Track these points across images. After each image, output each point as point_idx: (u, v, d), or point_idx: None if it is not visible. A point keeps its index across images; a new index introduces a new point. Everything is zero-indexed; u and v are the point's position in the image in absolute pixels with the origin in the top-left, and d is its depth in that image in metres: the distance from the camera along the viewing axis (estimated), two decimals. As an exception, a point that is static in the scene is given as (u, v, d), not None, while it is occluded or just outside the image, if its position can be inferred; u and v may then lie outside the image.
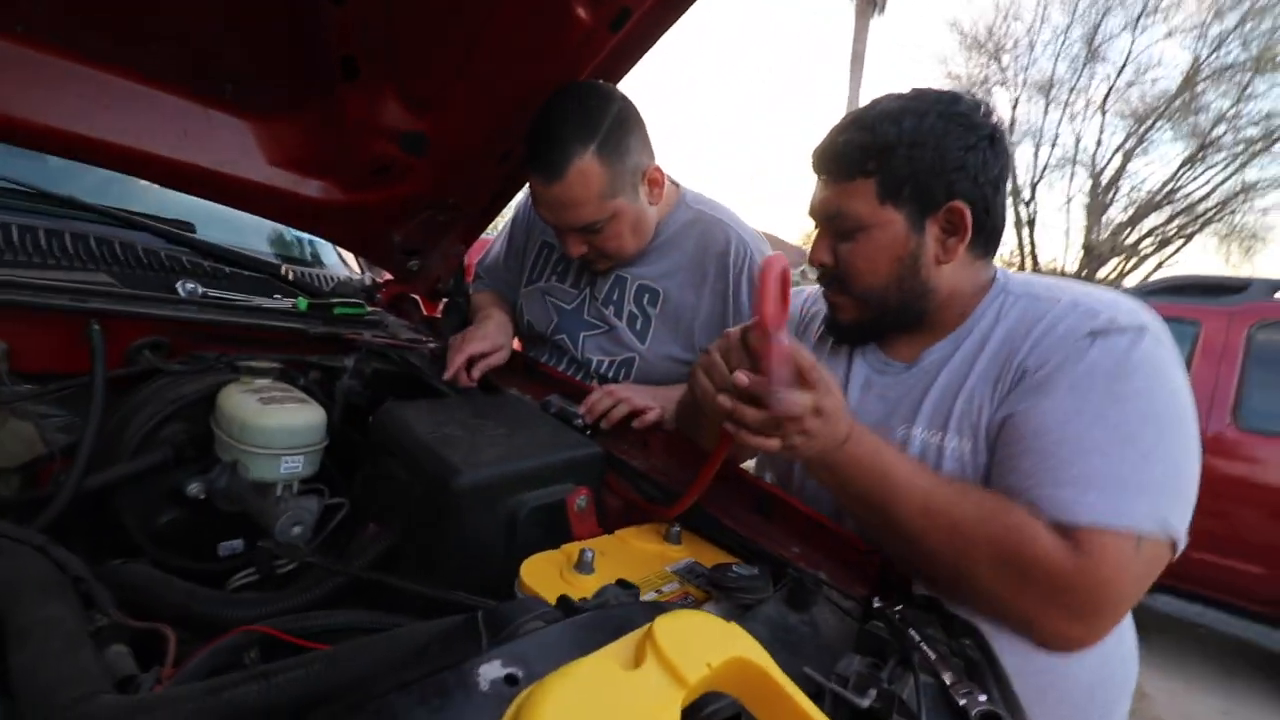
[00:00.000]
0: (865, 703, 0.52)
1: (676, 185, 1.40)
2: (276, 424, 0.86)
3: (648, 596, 0.74)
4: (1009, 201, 0.98)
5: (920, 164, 0.86)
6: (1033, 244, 14.29)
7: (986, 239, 0.92)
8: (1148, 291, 4.03)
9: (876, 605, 0.72)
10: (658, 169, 1.26)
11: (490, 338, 1.27)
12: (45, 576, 0.68)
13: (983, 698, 0.55)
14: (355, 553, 0.91)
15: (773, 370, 0.69)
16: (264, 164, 1.08)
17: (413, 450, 0.88)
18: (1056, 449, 0.77)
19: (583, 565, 0.74)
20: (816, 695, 0.54)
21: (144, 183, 1.17)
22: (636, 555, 0.83)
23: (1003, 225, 0.93)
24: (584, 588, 0.72)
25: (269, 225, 1.44)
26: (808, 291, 1.20)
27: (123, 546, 0.95)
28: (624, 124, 1.16)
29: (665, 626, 0.36)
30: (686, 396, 1.08)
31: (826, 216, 0.94)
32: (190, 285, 1.05)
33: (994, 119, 0.90)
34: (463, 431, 0.94)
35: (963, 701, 0.55)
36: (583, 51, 1.04)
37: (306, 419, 0.89)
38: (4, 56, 0.83)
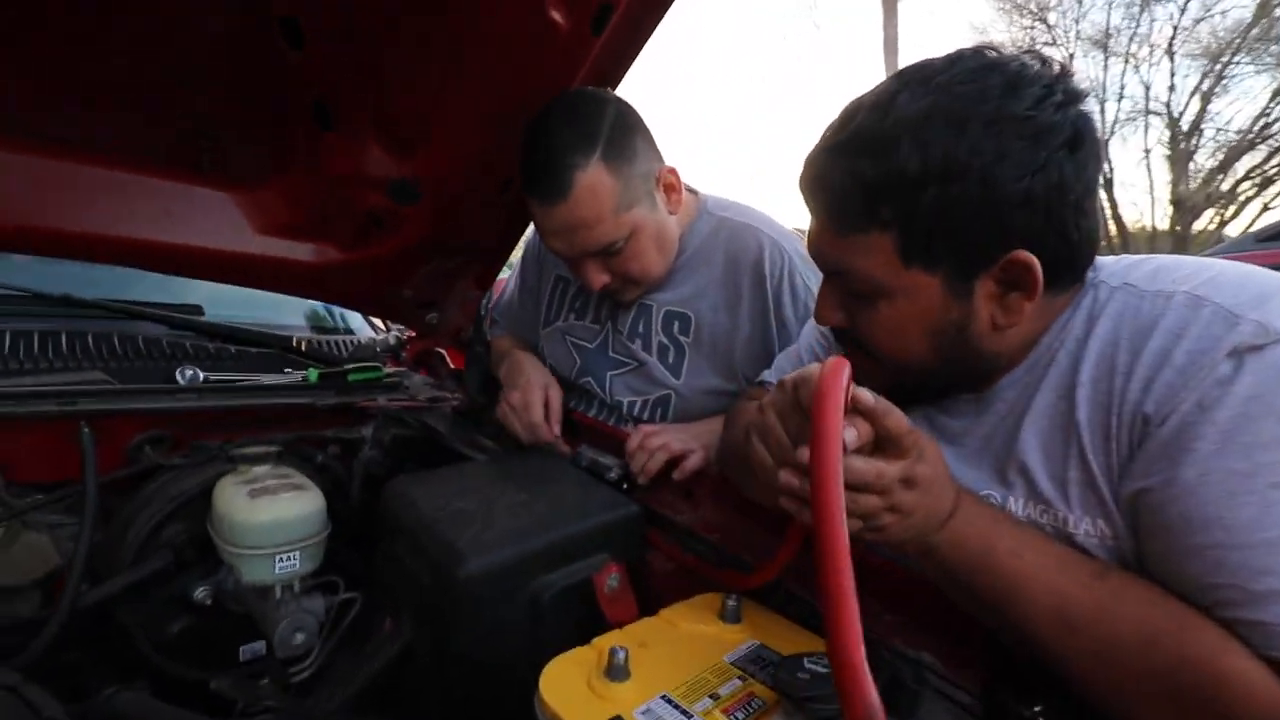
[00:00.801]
0: None
1: (695, 193, 1.25)
2: (266, 520, 0.77)
3: (700, 706, 0.58)
4: None
5: (960, 206, 0.59)
6: (1114, 206, 13.23)
7: (1071, 270, 0.64)
8: (1261, 239, 3.55)
9: (1007, 703, 0.53)
10: (671, 171, 1.11)
11: (536, 382, 1.12)
12: (7, 729, 0.60)
13: None
14: (371, 653, 0.80)
15: (845, 434, 0.50)
16: (253, 235, 1.02)
17: (416, 532, 0.76)
18: (1230, 549, 0.51)
19: (615, 670, 0.59)
20: None
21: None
22: (686, 643, 0.67)
23: (1095, 238, 0.63)
24: (619, 701, 0.58)
25: (285, 297, 1.39)
26: None
27: (135, 661, 0.88)
28: (625, 126, 1.02)
29: None
30: (730, 437, 0.91)
31: (829, 270, 0.71)
32: (190, 371, 0.99)
33: (1073, 110, 0.59)
34: (476, 503, 0.81)
35: None
36: (568, 60, 0.92)
37: (300, 510, 0.80)
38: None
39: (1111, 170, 13.16)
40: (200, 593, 0.85)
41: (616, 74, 1.00)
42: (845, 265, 0.67)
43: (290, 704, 0.71)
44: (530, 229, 1.33)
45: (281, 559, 0.78)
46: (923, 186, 0.60)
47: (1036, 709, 0.51)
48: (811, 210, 0.70)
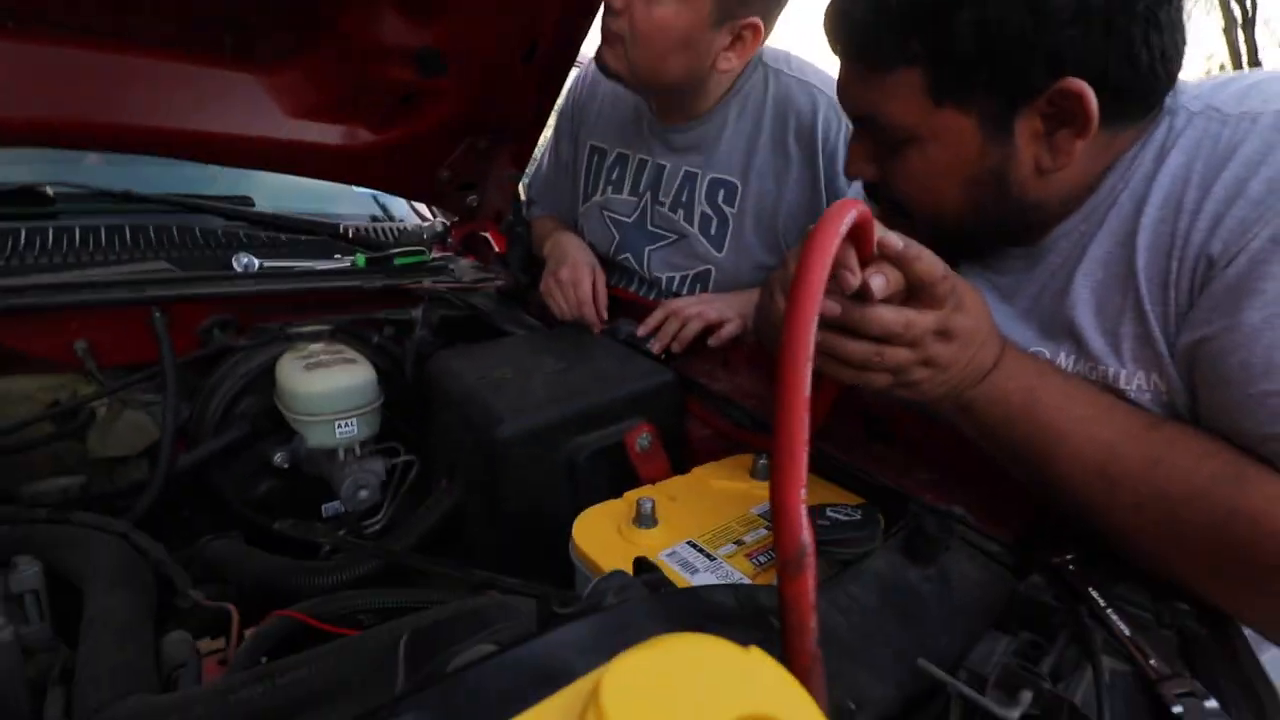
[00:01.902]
0: (1014, 714, 0.35)
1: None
2: (320, 389, 0.82)
3: (724, 550, 0.60)
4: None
5: (999, 27, 0.51)
6: (1252, 48, 11.29)
7: (1138, 99, 0.54)
8: None
9: (1038, 553, 0.52)
10: (755, 28, 1.00)
11: (583, 260, 1.09)
12: (123, 563, 0.70)
13: (1211, 703, 0.35)
14: (428, 509, 0.87)
15: (870, 281, 0.47)
16: (283, 118, 1.02)
17: (459, 400, 0.80)
18: None
19: (642, 518, 0.62)
20: (937, 699, 0.38)
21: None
22: (715, 497, 0.69)
23: (1174, 57, 0.53)
24: (647, 545, 0.61)
25: (331, 185, 1.41)
26: None
27: (232, 517, 0.99)
28: None
29: (620, 685, 0.22)
30: (762, 300, 0.88)
31: (857, 117, 0.63)
32: (245, 259, 1.04)
33: None
34: (515, 373, 0.84)
35: (1178, 708, 0.36)
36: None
37: (351, 380, 0.85)
38: (8, 56, 0.80)
39: (1254, 5, 11.11)
40: (279, 457, 0.93)
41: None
42: (872, 109, 0.60)
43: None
44: (562, 99, 1.27)
45: (341, 425, 0.84)
46: (955, 7, 0.52)
47: (1067, 557, 0.50)
48: (836, 50, 0.63)
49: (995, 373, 0.55)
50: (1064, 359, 0.61)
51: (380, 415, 0.90)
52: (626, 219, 1.22)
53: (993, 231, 0.64)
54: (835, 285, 0.48)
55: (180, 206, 1.10)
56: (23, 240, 0.97)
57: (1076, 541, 0.55)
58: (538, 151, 1.38)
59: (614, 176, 1.23)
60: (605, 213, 1.24)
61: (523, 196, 1.43)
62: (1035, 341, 0.63)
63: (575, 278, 1.05)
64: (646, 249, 1.19)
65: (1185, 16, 0.54)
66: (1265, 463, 0.48)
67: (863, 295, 0.48)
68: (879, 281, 0.47)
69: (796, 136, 1.07)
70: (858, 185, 0.92)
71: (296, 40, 1.00)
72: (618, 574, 0.40)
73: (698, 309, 0.93)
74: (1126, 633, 0.42)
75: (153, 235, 1.05)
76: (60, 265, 0.96)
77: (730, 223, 1.12)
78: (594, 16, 1.05)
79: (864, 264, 0.47)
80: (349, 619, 0.57)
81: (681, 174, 1.15)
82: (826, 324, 0.51)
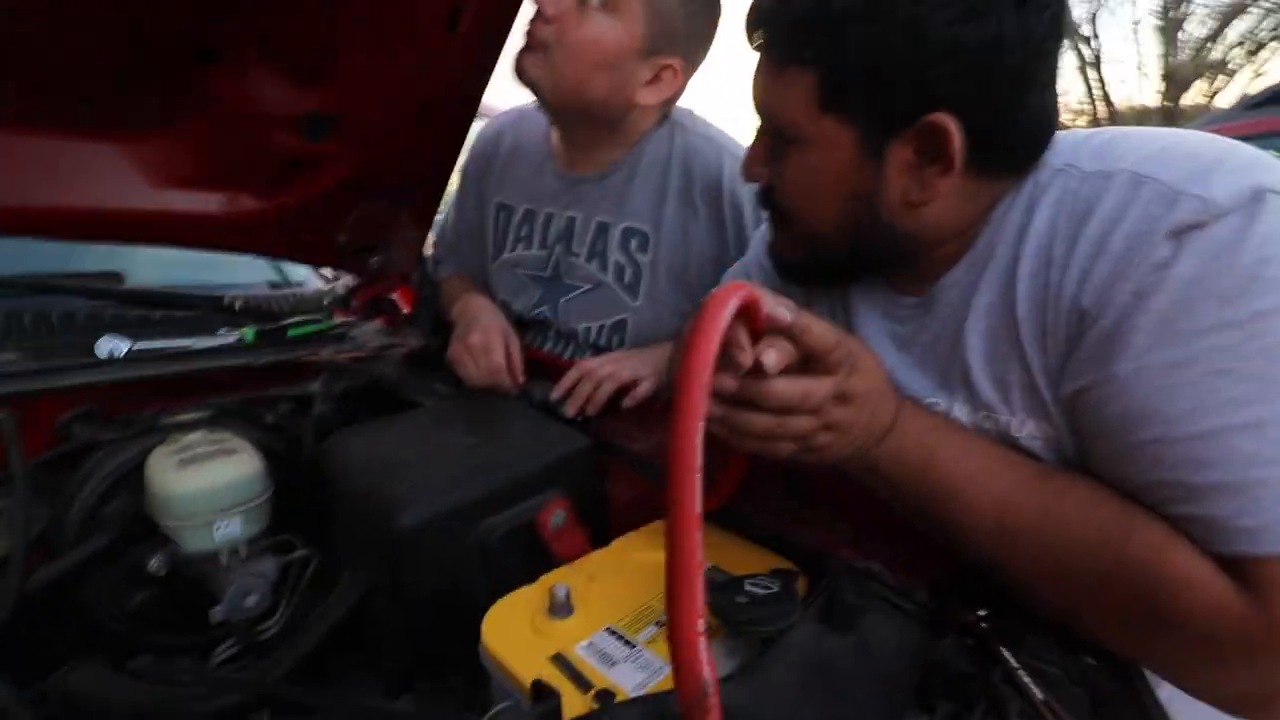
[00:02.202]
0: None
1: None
2: (194, 489, 0.74)
3: (644, 634, 0.57)
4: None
5: (882, 51, 0.53)
6: (1102, 85, 12.73)
7: (1007, 151, 0.57)
8: (1248, 106, 3.40)
9: (951, 607, 0.52)
10: (677, 72, 1.04)
11: (495, 326, 1.05)
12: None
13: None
14: (328, 606, 0.79)
15: (762, 358, 0.47)
16: (154, 189, 0.94)
17: (355, 486, 0.74)
18: (1169, 443, 0.48)
19: (556, 607, 0.58)
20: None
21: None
22: (635, 572, 0.66)
23: (1046, 121, 0.57)
24: (562, 637, 0.57)
25: (221, 255, 1.32)
26: None
27: (102, 636, 0.87)
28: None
29: None
30: (674, 359, 0.88)
31: (759, 110, 0.65)
32: (110, 343, 0.94)
33: None
34: (418, 451, 0.79)
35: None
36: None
37: (231, 474, 0.77)
38: None
39: (1099, 48, 12.60)
40: (154, 564, 0.83)
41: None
42: (770, 103, 0.62)
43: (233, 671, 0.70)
44: (464, 157, 1.24)
45: (220, 526, 0.76)
46: (846, 23, 0.54)
47: (979, 614, 0.50)
48: (750, 40, 0.64)
49: (894, 431, 0.56)
50: (958, 408, 0.62)
51: (269, 508, 0.82)
52: (541, 273, 1.20)
53: (868, 255, 0.65)
54: (729, 362, 0.47)
55: (30, 288, 0.99)
56: None
57: (987, 591, 0.55)
58: (443, 207, 1.35)
59: (523, 233, 1.21)
60: (518, 270, 1.22)
61: (428, 254, 1.38)
62: (933, 391, 0.64)
63: (487, 343, 1.01)
64: (561, 300, 1.17)
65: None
66: (1149, 509, 0.50)
67: (757, 370, 0.47)
68: (770, 357, 0.46)
69: (702, 191, 1.09)
70: (759, 233, 0.94)
71: (165, 107, 0.93)
72: (509, 709, 0.36)
73: (610, 369, 0.92)
74: (1039, 696, 0.42)
75: (1, 322, 0.94)
76: (-120, 364, 0.84)
77: (644, 271, 1.12)
78: (491, 73, 1.04)
79: (756, 339, 0.47)
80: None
81: (594, 225, 1.15)
82: (728, 399, 0.50)
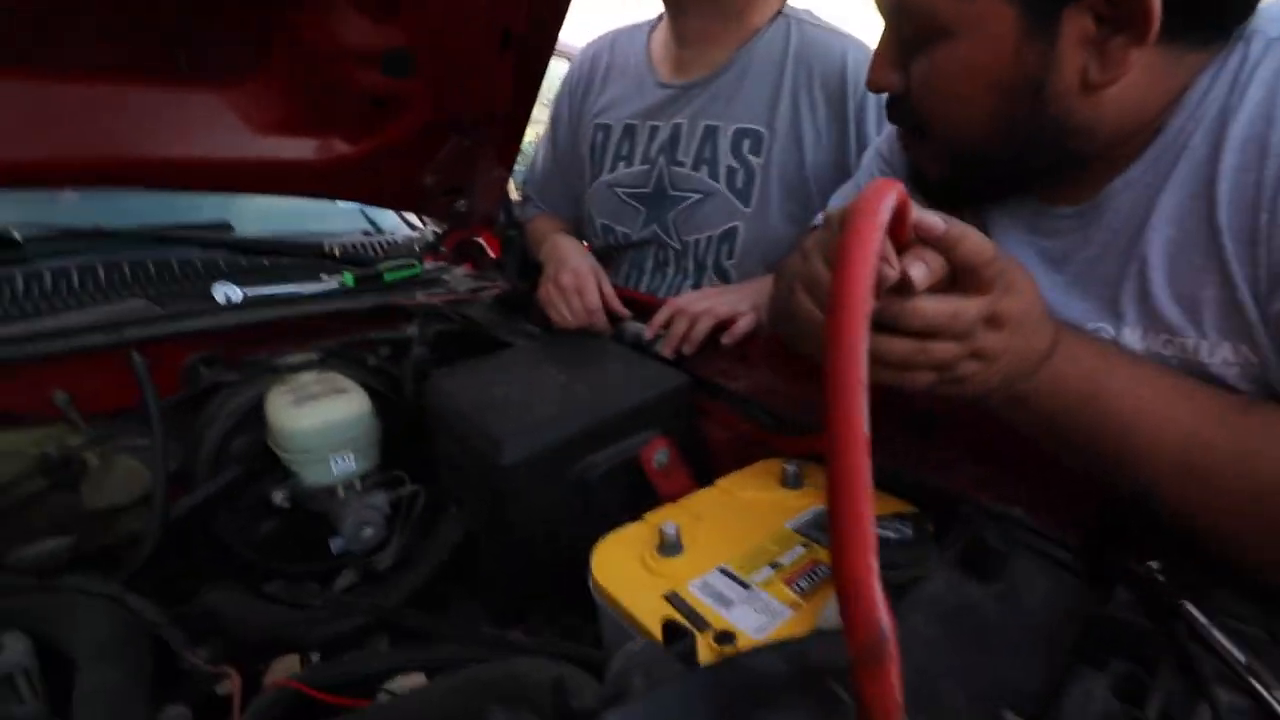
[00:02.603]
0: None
1: None
2: (311, 424, 0.77)
3: (759, 575, 0.54)
4: None
5: None
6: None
7: (1210, 11, 0.47)
8: None
9: (1113, 559, 0.46)
10: None
11: (586, 266, 1.02)
12: (114, 631, 0.65)
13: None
14: (438, 539, 0.82)
15: (910, 271, 0.40)
16: (252, 136, 0.96)
17: (457, 426, 0.74)
18: None
19: (667, 545, 0.56)
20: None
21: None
22: (745, 512, 0.64)
23: None
24: (673, 575, 0.55)
25: (314, 202, 1.35)
26: None
27: (235, 563, 0.95)
28: None
29: None
30: (778, 290, 0.81)
31: (889, 10, 0.56)
32: (225, 289, 0.98)
33: None
34: (516, 390, 0.78)
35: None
36: None
37: (343, 413, 0.79)
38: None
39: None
40: (278, 496, 0.88)
41: None
42: None
43: (361, 595, 0.74)
44: (559, 87, 1.21)
45: (337, 460, 0.79)
46: None
47: (1152, 564, 0.44)
48: None
49: (1052, 359, 0.48)
50: (1129, 333, 0.54)
51: (379, 445, 0.85)
52: (643, 188, 1.16)
53: (1023, 161, 0.56)
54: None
55: (153, 239, 1.04)
56: (-12, 291, 0.92)
57: (1157, 542, 0.48)
58: (528, 149, 1.32)
59: (623, 151, 1.18)
60: (617, 189, 1.19)
61: (514, 196, 1.37)
62: (1095, 315, 0.56)
63: (579, 284, 0.98)
64: (669, 214, 1.13)
65: None
66: None
67: (902, 288, 0.41)
68: (919, 271, 0.40)
69: (822, 85, 1.03)
70: (872, 148, 0.85)
71: (253, 51, 0.93)
72: (645, 647, 0.34)
73: (705, 305, 0.87)
74: (1240, 658, 0.36)
75: (128, 272, 1.00)
76: (32, 312, 0.91)
77: (757, 174, 1.07)
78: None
79: (900, 249, 0.41)
80: (351, 686, 0.52)
81: (701, 129, 1.10)
82: None
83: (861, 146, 1.00)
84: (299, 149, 1.01)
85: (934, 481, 0.60)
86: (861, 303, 0.28)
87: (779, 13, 1.09)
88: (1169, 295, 0.51)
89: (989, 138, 0.54)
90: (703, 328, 0.87)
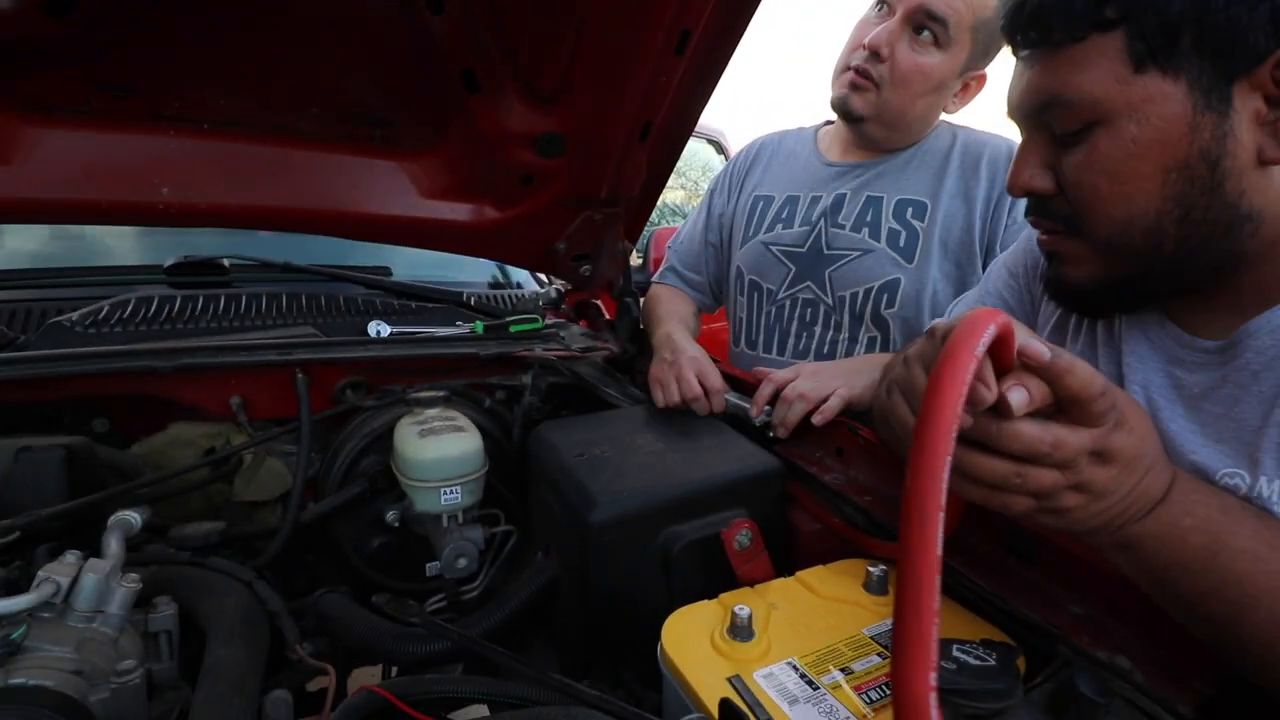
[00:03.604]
0: None
1: None
2: (431, 457, 0.86)
3: (829, 678, 0.54)
4: None
5: None
6: None
7: None
8: None
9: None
10: (981, 80, 1.13)
11: (684, 358, 1.04)
12: (244, 613, 0.74)
13: None
14: (524, 581, 0.86)
15: (1009, 395, 0.41)
16: (420, 199, 1.11)
17: (556, 477, 0.80)
18: None
19: (738, 629, 0.57)
20: None
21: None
22: (822, 610, 0.63)
23: None
24: (741, 660, 0.56)
25: (461, 257, 1.51)
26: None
27: (346, 569, 1.04)
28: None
29: None
30: (880, 392, 0.81)
31: (1037, 110, 0.57)
32: (378, 326, 1.12)
33: None
34: (614, 451, 0.83)
35: None
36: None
37: (459, 450, 0.87)
38: (201, 152, 0.95)
39: None
40: (390, 516, 0.98)
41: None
42: (1056, 90, 0.54)
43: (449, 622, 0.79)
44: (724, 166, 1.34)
45: (446, 492, 0.86)
46: None
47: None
48: (1017, 45, 0.59)
49: (1166, 505, 0.46)
50: (1267, 486, 0.50)
51: (484, 483, 0.92)
52: (799, 249, 1.24)
53: (1186, 256, 0.54)
54: (967, 398, 0.42)
55: (329, 276, 1.22)
56: (199, 306, 1.12)
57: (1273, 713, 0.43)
58: (655, 219, 1.43)
59: (783, 215, 1.27)
60: (773, 248, 1.27)
61: (633, 263, 1.46)
62: (1230, 461, 0.52)
63: (679, 374, 1.00)
64: (827, 271, 1.20)
65: None
66: None
67: (999, 411, 0.41)
68: (1019, 396, 0.41)
69: (983, 164, 1.12)
70: (998, 263, 0.85)
71: (433, 131, 1.10)
72: (700, 721, 0.36)
73: (801, 389, 0.88)
74: None
75: (304, 303, 1.17)
76: (227, 328, 1.09)
77: (920, 235, 1.14)
78: (708, 98, 1.09)
79: (1002, 374, 0.41)
80: (432, 703, 0.56)
81: (864, 198, 1.19)
82: (958, 437, 0.45)
83: (1012, 220, 1.09)
84: (457, 212, 1.15)
85: (1030, 614, 0.57)
86: (948, 424, 0.30)
87: (942, 123, 1.21)
88: None
89: (1159, 224, 0.53)
90: (797, 411, 0.88)
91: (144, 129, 0.93)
